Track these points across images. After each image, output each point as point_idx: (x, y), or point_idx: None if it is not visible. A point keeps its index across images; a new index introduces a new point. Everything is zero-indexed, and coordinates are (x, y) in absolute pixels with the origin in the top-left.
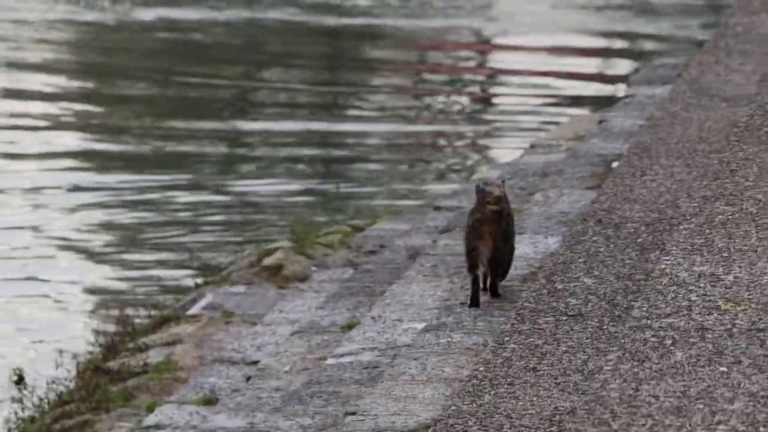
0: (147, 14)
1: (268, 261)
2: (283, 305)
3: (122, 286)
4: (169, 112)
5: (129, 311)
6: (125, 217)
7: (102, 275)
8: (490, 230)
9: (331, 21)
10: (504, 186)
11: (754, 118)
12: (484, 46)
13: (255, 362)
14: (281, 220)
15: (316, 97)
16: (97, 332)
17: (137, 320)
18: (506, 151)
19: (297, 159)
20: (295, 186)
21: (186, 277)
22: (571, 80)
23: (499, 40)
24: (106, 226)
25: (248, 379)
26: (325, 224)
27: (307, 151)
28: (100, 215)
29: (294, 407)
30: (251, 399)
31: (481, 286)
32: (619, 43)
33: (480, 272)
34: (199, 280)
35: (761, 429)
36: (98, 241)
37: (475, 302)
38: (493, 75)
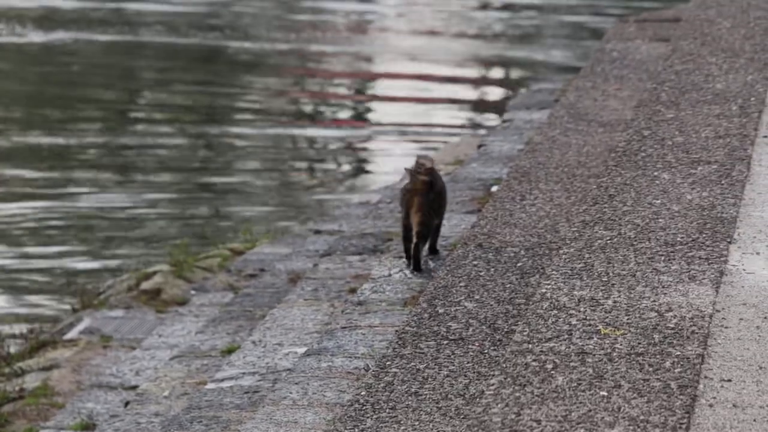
0: (21, 37)
1: (146, 285)
2: (162, 329)
3: None
4: (40, 133)
5: (4, 335)
6: None
7: None
8: (419, 200)
9: (209, 43)
10: (434, 164)
11: (631, 143)
12: (360, 73)
13: (134, 387)
14: (160, 243)
15: (193, 113)
16: None
17: (13, 345)
18: (385, 175)
19: (175, 173)
20: (173, 205)
21: (63, 301)
22: (450, 105)
23: (374, 67)
24: None
25: (127, 404)
26: (204, 247)
27: (184, 164)
28: None
29: None
30: (130, 424)
31: (413, 254)
32: (495, 70)
33: (413, 242)
34: (77, 304)
35: None
36: None
37: (417, 267)
38: (370, 100)
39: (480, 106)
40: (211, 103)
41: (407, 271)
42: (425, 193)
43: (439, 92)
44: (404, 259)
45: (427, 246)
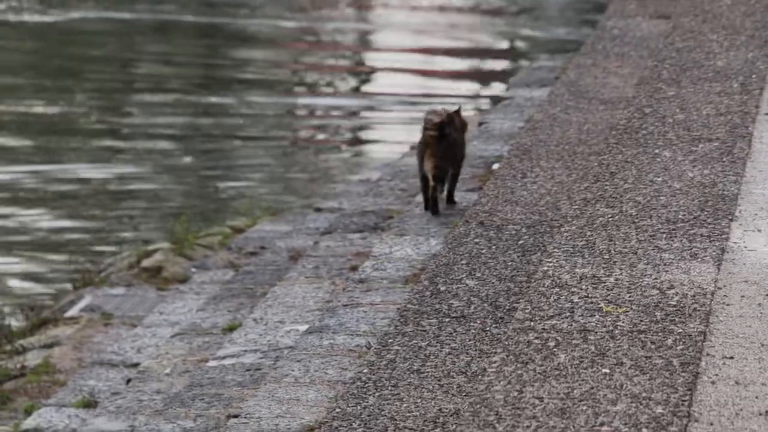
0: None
1: (147, 262)
2: (163, 307)
3: None
4: (40, 104)
5: (4, 313)
6: None
7: None
8: (431, 151)
9: (205, 20)
10: (459, 112)
11: (632, 121)
12: (360, 47)
13: (135, 364)
14: (160, 218)
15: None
16: None
17: (13, 322)
18: (386, 152)
19: (174, 145)
20: (173, 182)
21: (64, 278)
22: (450, 80)
23: (375, 41)
24: None
25: (128, 381)
26: (204, 222)
27: (183, 136)
28: None
29: (176, 410)
30: (132, 402)
31: (429, 195)
32: (497, 45)
33: (427, 187)
34: (78, 281)
35: (644, 430)
36: None
37: (427, 206)
38: (370, 75)
39: (482, 78)
40: (210, 75)
41: (427, 211)
42: (436, 143)
43: (441, 65)
44: (423, 204)
45: (444, 195)
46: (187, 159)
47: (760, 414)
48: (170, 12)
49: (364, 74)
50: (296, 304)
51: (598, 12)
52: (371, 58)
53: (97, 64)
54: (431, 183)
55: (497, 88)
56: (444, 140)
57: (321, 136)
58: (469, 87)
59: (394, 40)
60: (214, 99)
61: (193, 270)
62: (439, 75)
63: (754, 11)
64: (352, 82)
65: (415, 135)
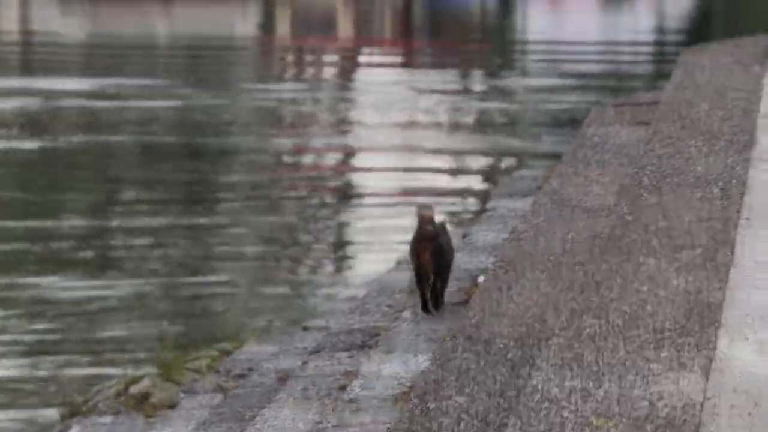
0: None
1: (134, 389)
2: None
3: None
4: (22, 219)
5: None
6: None
7: None
8: (427, 246)
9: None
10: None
11: (615, 229)
12: (340, 166)
13: None
14: (146, 344)
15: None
16: None
17: None
18: (372, 267)
19: (159, 271)
20: (157, 301)
21: (50, 410)
22: (431, 197)
23: (354, 159)
24: None
25: None
26: (192, 348)
27: (166, 255)
28: None
29: None
30: None
31: (428, 295)
32: (476, 159)
33: (425, 284)
34: (65, 412)
35: None
36: None
37: (425, 308)
38: (351, 196)
39: (465, 190)
40: (192, 196)
41: (423, 312)
42: (433, 239)
43: (420, 183)
44: (421, 305)
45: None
46: (172, 279)
47: None
48: (154, 134)
49: (344, 192)
50: (286, 426)
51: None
52: (350, 177)
53: (82, 186)
54: (432, 279)
55: (479, 200)
56: (439, 236)
57: (305, 252)
58: (451, 200)
59: (376, 160)
60: (198, 219)
61: (182, 395)
62: (421, 193)
63: (731, 116)
64: (333, 198)
65: (397, 248)
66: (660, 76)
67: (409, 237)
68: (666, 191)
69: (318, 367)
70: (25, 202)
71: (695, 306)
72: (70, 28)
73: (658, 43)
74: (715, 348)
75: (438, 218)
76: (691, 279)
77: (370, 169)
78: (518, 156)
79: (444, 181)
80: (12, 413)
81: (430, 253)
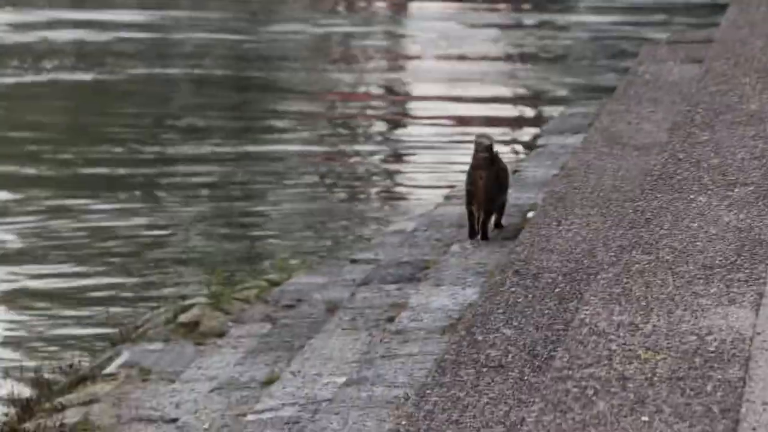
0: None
1: (184, 317)
2: (201, 362)
3: (35, 344)
4: (71, 156)
5: (44, 370)
6: (25, 271)
7: (10, 333)
8: (483, 174)
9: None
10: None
11: (667, 166)
12: (394, 96)
13: (174, 420)
14: (196, 273)
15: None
16: (11, 393)
17: (53, 380)
18: (420, 201)
19: (207, 196)
20: (207, 233)
21: (101, 335)
22: (483, 128)
23: (408, 90)
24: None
25: None
26: (240, 279)
27: (216, 186)
28: None
29: None
30: None
31: (476, 221)
32: (528, 95)
33: (474, 209)
34: (115, 338)
35: None
36: None
37: (472, 234)
38: (405, 123)
39: (515, 126)
40: (244, 125)
41: (470, 243)
42: (487, 168)
43: (474, 113)
44: (468, 231)
45: (492, 221)
46: (221, 209)
47: None
48: (205, 66)
49: (397, 122)
50: (334, 356)
51: (629, 58)
52: (403, 107)
53: (130, 119)
54: (483, 216)
55: (530, 136)
56: (493, 165)
57: (356, 183)
58: (502, 134)
59: (425, 89)
60: (248, 148)
61: (230, 324)
62: (471, 123)
63: None
64: (385, 129)
65: (448, 181)
66: (715, 13)
67: (462, 170)
68: (719, 128)
69: (366, 298)
70: (78, 130)
71: (746, 242)
72: None
73: None
74: (765, 283)
75: (495, 148)
76: (743, 216)
77: (423, 100)
78: (570, 92)
79: (496, 117)
80: (63, 337)
81: (485, 181)
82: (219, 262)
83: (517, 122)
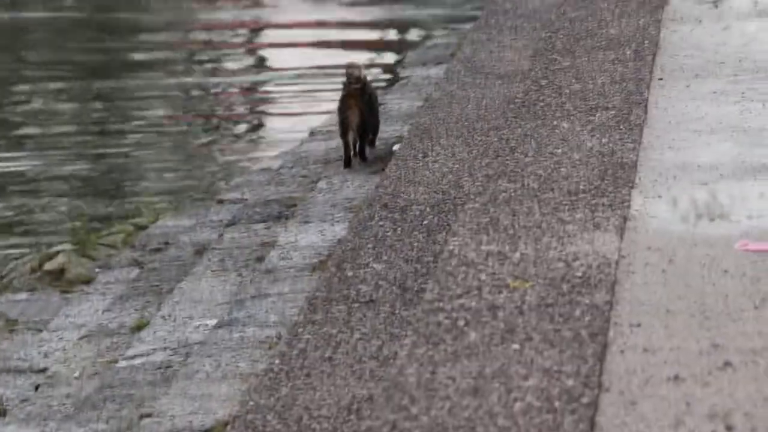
0: None
1: (49, 265)
2: (68, 310)
3: None
4: None
5: None
6: None
7: None
8: (355, 102)
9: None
10: (362, 70)
11: (529, 94)
12: (249, 42)
13: (43, 370)
14: (60, 219)
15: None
16: None
17: None
18: (283, 138)
19: (68, 136)
20: (67, 173)
21: None
22: (346, 56)
23: (263, 34)
24: None
25: (37, 387)
26: (106, 223)
27: (76, 125)
28: None
29: (87, 413)
30: (42, 408)
31: (351, 151)
32: (387, 30)
33: (350, 138)
34: None
35: (556, 403)
36: None
37: (347, 164)
38: (262, 65)
39: (375, 64)
40: (102, 60)
41: (345, 168)
42: (360, 97)
43: (336, 38)
44: (344, 161)
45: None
46: (83, 152)
47: (669, 379)
48: (62, 9)
49: (259, 51)
50: (204, 298)
51: None
52: (265, 35)
53: None
54: (352, 135)
55: (392, 68)
56: (365, 92)
57: (217, 116)
58: (367, 59)
59: (287, 17)
60: (108, 83)
61: (97, 270)
62: (334, 47)
63: None
64: (248, 59)
65: (314, 109)
66: None
67: (328, 99)
68: (579, 54)
69: (234, 239)
70: None
71: (609, 167)
72: None
73: None
74: (629, 207)
75: (365, 76)
76: (605, 140)
77: (279, 45)
78: (430, 24)
79: (358, 41)
80: None
81: (358, 110)
82: (83, 206)
83: (379, 56)
